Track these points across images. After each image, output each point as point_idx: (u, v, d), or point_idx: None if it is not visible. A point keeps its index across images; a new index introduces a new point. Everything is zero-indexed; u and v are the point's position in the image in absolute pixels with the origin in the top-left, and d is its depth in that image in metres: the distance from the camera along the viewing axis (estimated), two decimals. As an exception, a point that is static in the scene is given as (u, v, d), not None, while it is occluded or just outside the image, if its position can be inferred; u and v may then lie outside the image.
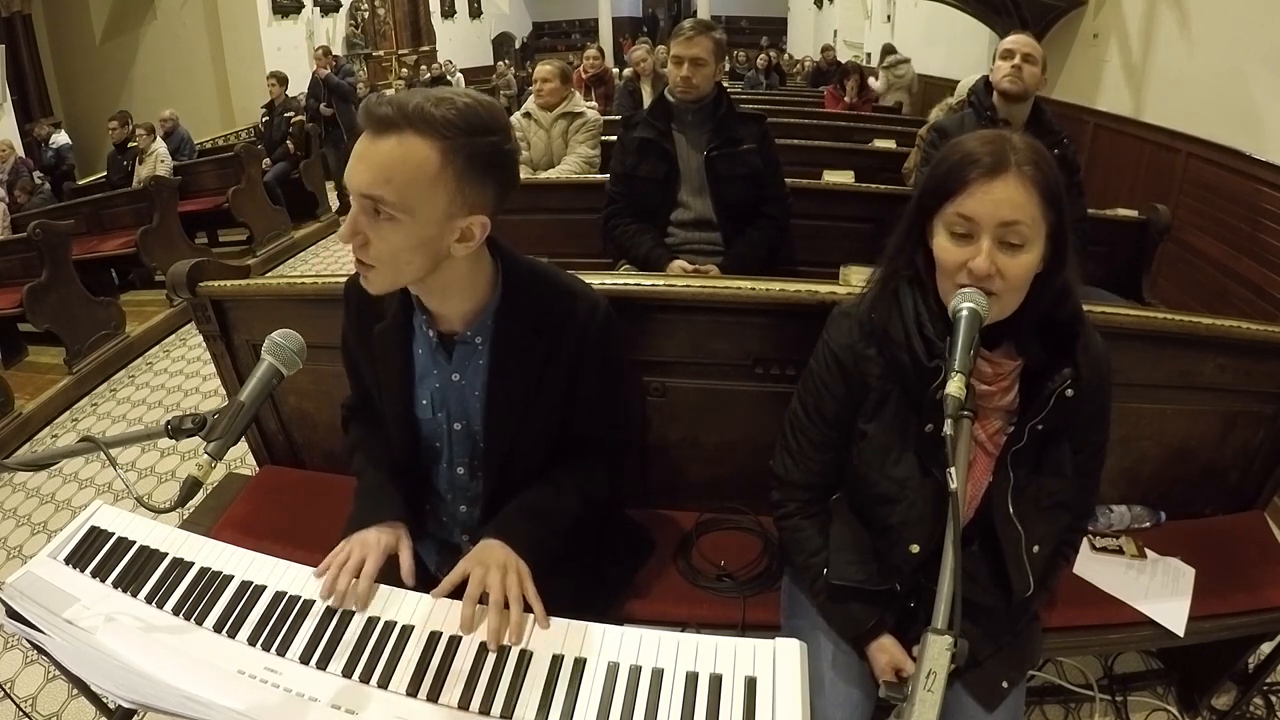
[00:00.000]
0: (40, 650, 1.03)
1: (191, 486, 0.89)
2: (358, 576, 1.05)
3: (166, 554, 1.13)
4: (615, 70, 6.62)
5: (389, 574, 1.09)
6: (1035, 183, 0.96)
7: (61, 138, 7.10)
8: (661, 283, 1.60)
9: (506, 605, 1.01)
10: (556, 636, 0.99)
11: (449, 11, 14.65)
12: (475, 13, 15.89)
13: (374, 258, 0.99)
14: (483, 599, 1.02)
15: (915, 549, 1.10)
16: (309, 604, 1.05)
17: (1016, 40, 2.28)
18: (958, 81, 3.83)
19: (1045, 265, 1.00)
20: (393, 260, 0.99)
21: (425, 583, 1.10)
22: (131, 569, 1.12)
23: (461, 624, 1.00)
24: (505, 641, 0.98)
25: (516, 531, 1.11)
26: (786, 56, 13.15)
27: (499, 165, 1.01)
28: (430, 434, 1.23)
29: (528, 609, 1.01)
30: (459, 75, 11.46)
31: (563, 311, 1.14)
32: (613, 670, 0.94)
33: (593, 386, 1.19)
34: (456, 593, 1.04)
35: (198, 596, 1.06)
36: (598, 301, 1.17)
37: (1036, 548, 1.10)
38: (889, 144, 4.41)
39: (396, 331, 1.16)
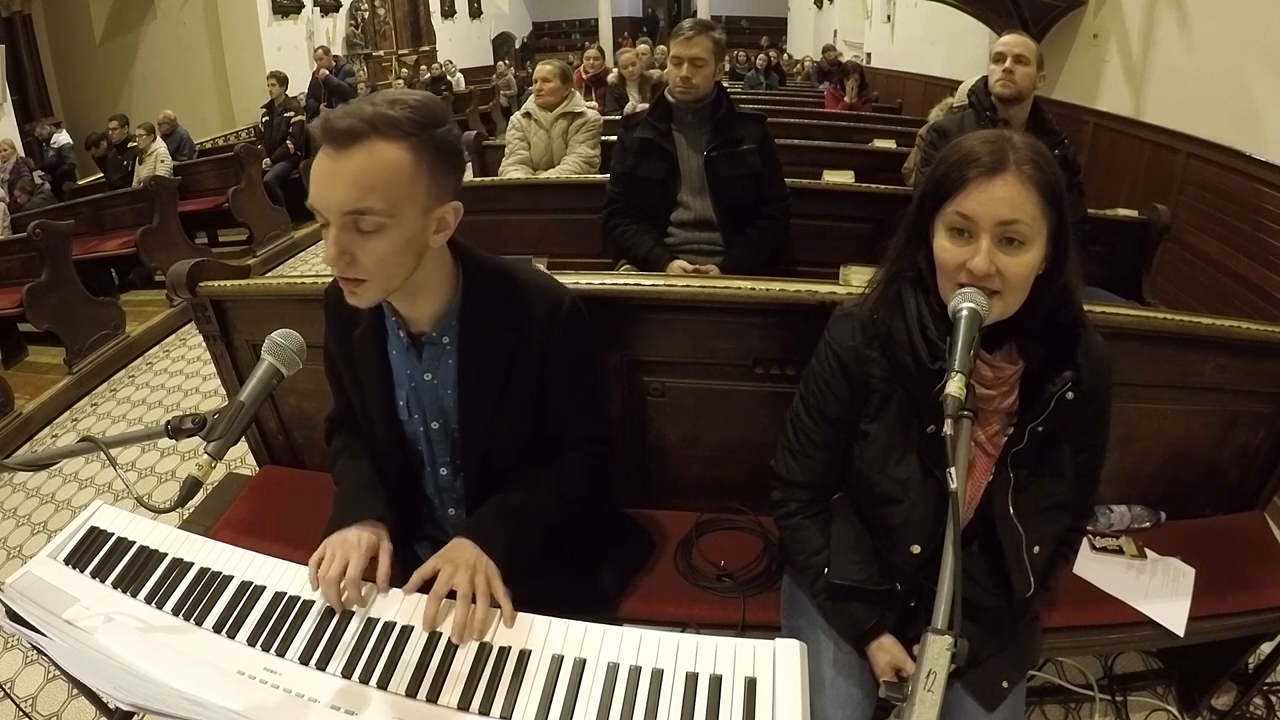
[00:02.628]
0: (40, 650, 1.03)
1: (191, 486, 0.90)
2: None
3: (166, 554, 1.13)
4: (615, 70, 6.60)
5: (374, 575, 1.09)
6: (1034, 182, 0.96)
7: (63, 137, 7.12)
8: (661, 283, 1.60)
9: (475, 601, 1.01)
10: (556, 636, 0.99)
11: (449, 11, 14.64)
12: (475, 13, 15.89)
13: (364, 271, 0.99)
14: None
15: (916, 549, 1.10)
16: (309, 604, 1.05)
17: (1007, 42, 2.27)
18: (958, 82, 3.83)
19: (1046, 266, 1.00)
20: (383, 268, 0.99)
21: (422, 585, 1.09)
22: (131, 569, 1.12)
23: (425, 619, 1.00)
24: (472, 638, 0.99)
25: (488, 532, 1.11)
26: (786, 57, 13.14)
27: (457, 151, 1.04)
28: (412, 436, 1.24)
29: (497, 607, 1.02)
30: (459, 75, 11.45)
31: (526, 306, 1.15)
32: (613, 670, 0.94)
33: (564, 384, 1.19)
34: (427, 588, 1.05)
35: (198, 597, 1.06)
36: (562, 296, 1.17)
37: (1037, 548, 1.10)
38: (889, 144, 4.41)
39: (373, 335, 1.18)
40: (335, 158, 0.94)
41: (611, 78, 5.60)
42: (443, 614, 1.01)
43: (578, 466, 1.25)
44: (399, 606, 1.04)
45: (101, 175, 6.16)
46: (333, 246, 0.96)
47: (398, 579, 1.08)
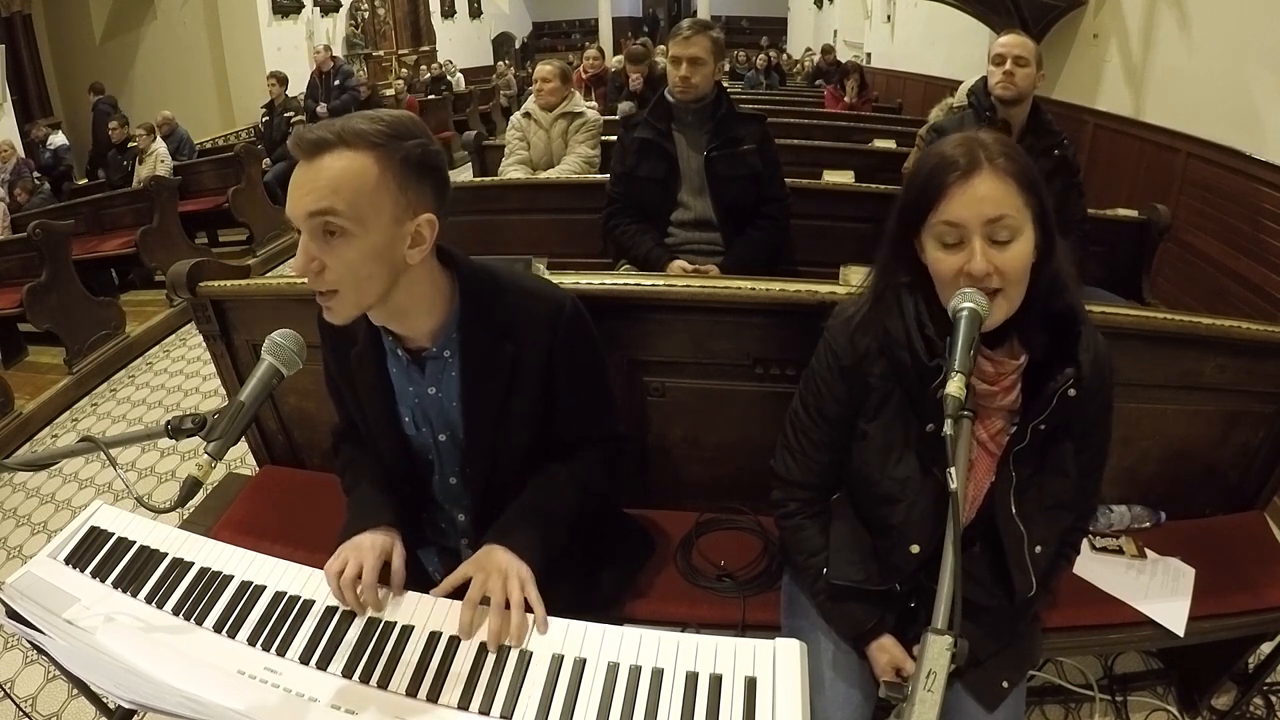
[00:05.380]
0: (40, 650, 1.03)
1: (191, 486, 0.90)
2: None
3: (166, 554, 1.14)
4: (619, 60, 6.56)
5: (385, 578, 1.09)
6: (1011, 174, 0.97)
7: (59, 139, 7.12)
8: (661, 283, 1.60)
9: (507, 607, 1.01)
10: (556, 636, 0.99)
11: (449, 11, 14.64)
12: (475, 13, 15.88)
13: (334, 281, 0.99)
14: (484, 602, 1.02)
15: (916, 549, 1.11)
16: (309, 604, 1.05)
17: (1006, 43, 2.26)
18: (958, 82, 3.83)
19: (1038, 253, 1.00)
20: (353, 279, 0.99)
21: (425, 588, 1.10)
22: (131, 569, 1.12)
23: (460, 628, 1.00)
24: (505, 643, 0.98)
25: (518, 536, 1.11)
26: (786, 56, 13.13)
27: (431, 166, 1.03)
28: (420, 448, 1.24)
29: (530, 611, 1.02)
30: (459, 75, 11.44)
31: (525, 313, 1.14)
32: (613, 670, 0.94)
33: (574, 389, 1.19)
34: (456, 594, 1.05)
35: (198, 596, 1.07)
36: (562, 301, 1.16)
37: (1039, 548, 1.10)
38: (889, 144, 4.41)
39: (370, 353, 1.17)
40: (303, 167, 0.97)
41: (614, 62, 5.57)
42: (478, 621, 1.01)
43: (598, 461, 1.26)
44: (403, 608, 1.04)
45: (102, 176, 6.16)
46: (301, 254, 0.97)
47: (406, 587, 1.09)
